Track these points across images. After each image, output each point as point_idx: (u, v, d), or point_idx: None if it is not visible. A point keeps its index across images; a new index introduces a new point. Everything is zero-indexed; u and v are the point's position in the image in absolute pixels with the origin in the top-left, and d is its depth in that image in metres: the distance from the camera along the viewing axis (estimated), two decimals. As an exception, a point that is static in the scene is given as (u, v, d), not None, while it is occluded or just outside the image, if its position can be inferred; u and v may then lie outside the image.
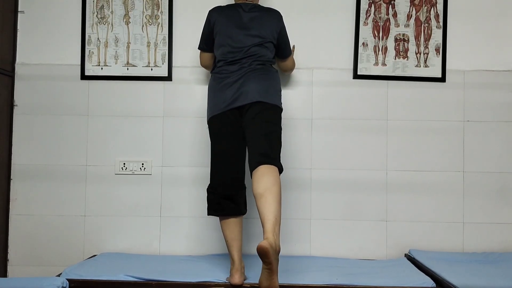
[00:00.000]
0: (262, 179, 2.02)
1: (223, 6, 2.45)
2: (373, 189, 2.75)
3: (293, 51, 2.65)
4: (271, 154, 2.12)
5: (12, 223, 2.75)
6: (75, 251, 2.74)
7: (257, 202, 1.99)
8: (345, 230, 2.75)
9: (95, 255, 2.66)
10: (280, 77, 2.41)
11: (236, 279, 2.15)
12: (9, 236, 2.74)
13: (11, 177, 2.76)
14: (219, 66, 2.32)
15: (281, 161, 2.18)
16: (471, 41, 2.80)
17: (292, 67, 2.67)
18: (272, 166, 2.08)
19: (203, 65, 2.57)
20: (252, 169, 2.10)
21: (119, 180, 2.76)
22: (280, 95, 2.32)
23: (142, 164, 2.76)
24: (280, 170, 2.13)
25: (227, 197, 2.21)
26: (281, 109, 2.30)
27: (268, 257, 1.80)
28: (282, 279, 2.14)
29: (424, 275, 2.26)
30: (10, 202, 2.75)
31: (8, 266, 2.73)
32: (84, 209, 2.76)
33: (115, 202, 2.76)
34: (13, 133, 2.77)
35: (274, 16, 2.40)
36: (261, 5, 2.45)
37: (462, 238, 2.74)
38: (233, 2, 2.48)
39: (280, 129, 2.25)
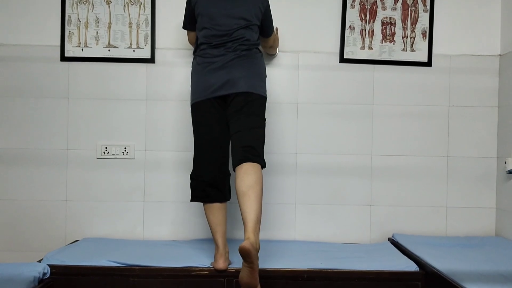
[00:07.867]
0: (246, 177, 2.02)
1: None
2: (358, 173, 2.75)
3: (276, 33, 2.57)
4: (255, 149, 2.10)
5: (-9, 208, 2.70)
6: (57, 236, 2.70)
7: (240, 199, 2.00)
8: (329, 214, 2.75)
9: (77, 240, 2.62)
10: (265, 61, 2.36)
11: (221, 264, 2.13)
12: (-12, 221, 2.69)
13: (-11, 161, 2.69)
14: (202, 49, 2.25)
15: (265, 147, 2.16)
16: (457, 26, 2.78)
17: (274, 45, 2.60)
18: (256, 164, 2.07)
19: (190, 42, 2.48)
20: (236, 164, 2.09)
21: (101, 164, 2.71)
22: (265, 83, 2.27)
23: (125, 148, 2.71)
24: (263, 166, 2.12)
25: (211, 184, 2.18)
26: (266, 98, 2.26)
27: (250, 257, 1.82)
28: (266, 264, 2.15)
29: (408, 259, 2.27)
30: (-11, 187, 2.69)
31: (-13, 252, 2.69)
32: (66, 194, 2.71)
33: (97, 187, 2.72)
34: (-10, 116, 2.70)
35: None
36: None
37: (445, 222, 2.76)
38: None
39: (264, 121, 2.22)
